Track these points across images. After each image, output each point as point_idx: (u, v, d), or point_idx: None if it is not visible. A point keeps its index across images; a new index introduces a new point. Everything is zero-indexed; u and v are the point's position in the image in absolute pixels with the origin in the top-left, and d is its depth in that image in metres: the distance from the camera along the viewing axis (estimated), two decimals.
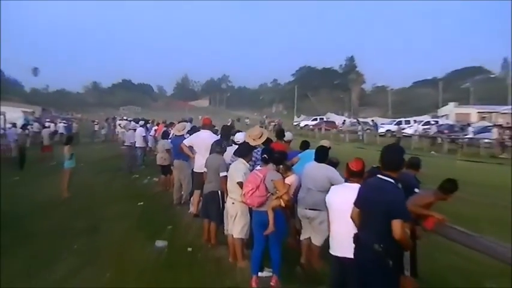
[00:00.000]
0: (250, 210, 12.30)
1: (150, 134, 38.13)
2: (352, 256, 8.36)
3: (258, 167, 12.22)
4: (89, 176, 28.24)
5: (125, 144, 34.83)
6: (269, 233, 11.34)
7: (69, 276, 12.48)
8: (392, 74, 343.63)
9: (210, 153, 15.51)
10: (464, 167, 35.96)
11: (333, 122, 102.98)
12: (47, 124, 55.34)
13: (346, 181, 9.50)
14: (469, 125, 69.64)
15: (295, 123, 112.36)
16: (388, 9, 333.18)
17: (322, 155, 12.50)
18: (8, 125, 44.87)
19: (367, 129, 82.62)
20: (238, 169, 12.87)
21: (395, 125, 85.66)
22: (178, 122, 30.06)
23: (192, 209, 18.55)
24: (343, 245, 8.67)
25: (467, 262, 12.89)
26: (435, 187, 9.67)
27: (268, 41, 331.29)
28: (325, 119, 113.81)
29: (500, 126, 58.03)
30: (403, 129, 77.41)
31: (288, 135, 17.18)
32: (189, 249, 14.73)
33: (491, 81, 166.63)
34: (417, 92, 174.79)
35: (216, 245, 14.74)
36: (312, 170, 12.36)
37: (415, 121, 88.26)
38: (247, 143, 14.35)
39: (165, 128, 31.35)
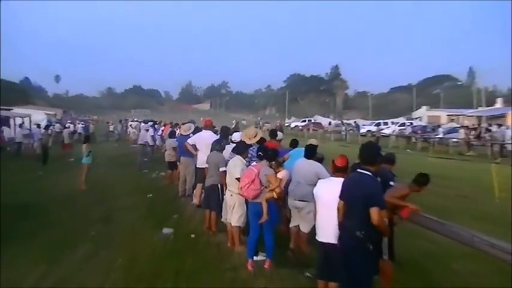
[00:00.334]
0: (247, 201, 12.31)
1: (158, 133, 38.20)
2: (335, 242, 8.44)
3: (254, 163, 12.39)
4: (104, 171, 28.23)
5: (139, 143, 34.87)
6: (263, 221, 11.47)
7: (86, 259, 12.48)
8: (372, 80, 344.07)
9: (210, 151, 15.59)
10: (435, 163, 36.00)
11: (320, 123, 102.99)
12: (67, 125, 55.37)
13: (331, 176, 9.51)
14: (439, 126, 69.95)
15: (286, 124, 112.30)
16: (370, 24, 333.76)
17: (310, 153, 12.58)
18: (33, 126, 44.87)
19: (350, 129, 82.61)
20: (236, 165, 12.93)
21: (374, 126, 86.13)
22: (183, 124, 30.11)
23: (195, 200, 18.62)
24: (328, 232, 8.69)
25: (437, 246, 13.04)
26: (410, 181, 9.70)
27: (262, 52, 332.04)
28: (312, 121, 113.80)
29: (466, 127, 58.26)
30: (382, 129, 77.78)
31: (279, 134, 17.27)
32: (193, 235, 14.76)
33: (459, 88, 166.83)
34: (394, 97, 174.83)
35: (216, 232, 14.77)
36: (301, 165, 12.40)
37: (392, 122, 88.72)
38: (244, 141, 14.51)
39: (171, 129, 31.39)
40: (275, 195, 11.49)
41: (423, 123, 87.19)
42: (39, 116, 65.09)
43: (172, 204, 19.73)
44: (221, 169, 14.25)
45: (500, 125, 53.40)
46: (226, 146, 15.83)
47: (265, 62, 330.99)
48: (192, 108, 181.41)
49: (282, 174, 12.62)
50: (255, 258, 11.85)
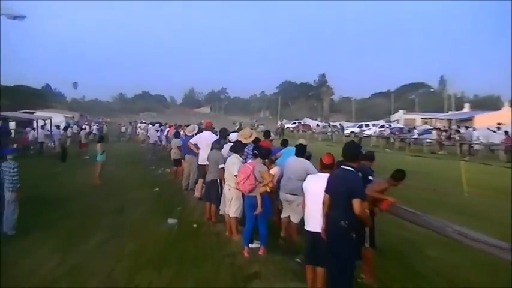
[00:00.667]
0: (243, 194, 12.39)
1: (164, 134, 38.29)
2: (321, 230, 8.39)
3: (249, 161, 12.41)
4: (116, 168, 28.20)
5: (150, 142, 35.43)
6: (258, 213, 11.54)
7: (100, 246, 12.56)
8: (355, 87, 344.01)
9: (211, 150, 15.59)
10: (411, 161, 36.00)
11: (309, 125, 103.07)
12: (83, 126, 55.44)
13: (319, 172, 9.50)
14: (414, 128, 70.04)
15: (278, 126, 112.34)
16: (353, 35, 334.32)
17: (301, 151, 12.72)
18: (53, 127, 44.93)
19: (335, 131, 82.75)
20: (233, 163, 13.02)
21: (357, 127, 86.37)
22: (186, 126, 30.19)
23: (197, 193, 18.63)
24: (315, 222, 8.67)
25: (413, 235, 13.06)
26: (389, 176, 9.70)
27: (257, 61, 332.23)
28: (302, 123, 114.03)
29: (438, 129, 58.33)
30: (364, 131, 78.16)
31: (272, 135, 17.37)
32: (195, 225, 14.83)
33: (431, 94, 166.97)
34: (374, 102, 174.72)
35: (215, 222, 14.79)
36: (292, 162, 12.52)
37: (373, 125, 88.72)
38: (240, 141, 14.64)
39: (175, 130, 31.42)
40: (268, 190, 11.63)
41: (400, 125, 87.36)
42: (58, 118, 65.11)
43: (176, 197, 19.76)
44: (220, 166, 14.29)
45: (467, 127, 53.50)
46: (224, 145, 15.86)
47: (259, 70, 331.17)
48: (194, 112, 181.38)
49: (274, 170, 12.73)
50: (250, 245, 11.87)
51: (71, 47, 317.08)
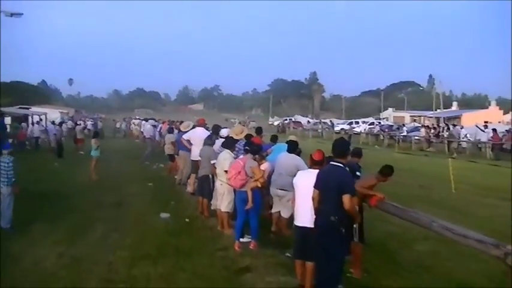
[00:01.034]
0: (234, 189, 12.35)
1: (157, 130, 38.30)
2: (311, 225, 8.43)
3: (241, 156, 12.43)
4: (111, 163, 28.13)
5: (146, 137, 35.77)
6: (249, 208, 11.57)
7: (97, 239, 12.61)
8: (346, 85, 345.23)
9: (203, 145, 15.57)
10: (400, 158, 36.11)
11: (300, 122, 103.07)
12: (78, 122, 55.38)
13: (309, 168, 9.54)
14: (403, 125, 70.10)
15: (270, 123, 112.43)
16: (345, 33, 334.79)
17: (292, 148, 12.78)
18: (48, 123, 44.86)
19: (326, 128, 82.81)
20: (225, 158, 13.08)
21: (347, 125, 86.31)
22: (179, 122, 30.23)
23: (189, 188, 18.63)
24: (305, 217, 8.71)
25: (401, 230, 13.11)
26: (377, 172, 9.75)
27: (250, 59, 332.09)
28: (293, 120, 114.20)
29: (427, 126, 58.46)
30: (354, 128, 78.03)
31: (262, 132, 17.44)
32: (187, 220, 14.85)
33: (420, 93, 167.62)
34: (364, 100, 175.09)
35: (208, 217, 14.83)
36: (284, 158, 12.54)
37: (363, 122, 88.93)
38: (232, 137, 14.66)
39: (168, 126, 31.44)
40: (259, 185, 11.62)
41: (389, 122, 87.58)
42: (54, 114, 65.14)
43: (169, 192, 19.80)
44: (212, 161, 14.28)
45: (455, 125, 53.62)
46: (216, 141, 15.89)
47: (252, 68, 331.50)
48: (188, 109, 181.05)
49: (264, 166, 12.75)
50: (241, 240, 11.89)
51: (66, 44, 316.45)
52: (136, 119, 71.90)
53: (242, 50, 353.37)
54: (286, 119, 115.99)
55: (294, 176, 9.73)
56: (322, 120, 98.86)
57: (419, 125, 66.93)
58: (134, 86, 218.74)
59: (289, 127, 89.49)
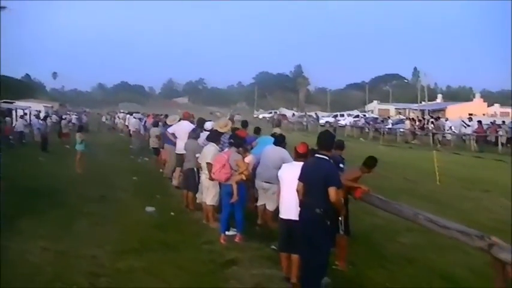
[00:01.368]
0: (220, 183, 12.36)
1: (142, 123, 38.23)
2: (296, 218, 8.44)
3: (226, 149, 12.44)
4: (96, 157, 27.95)
5: (132, 130, 36.14)
6: (234, 201, 11.58)
7: (83, 234, 12.43)
8: (331, 78, 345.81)
9: (188, 139, 15.59)
10: (384, 150, 36.20)
11: (285, 115, 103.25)
12: (64, 116, 55.07)
13: (294, 160, 9.56)
14: (388, 118, 70.40)
15: (255, 116, 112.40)
16: (330, 26, 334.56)
17: (279, 141, 12.92)
18: (32, 117, 44.66)
19: (311, 120, 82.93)
20: (209, 151, 13.07)
21: (332, 117, 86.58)
22: (165, 116, 30.29)
23: (174, 182, 18.63)
24: (290, 210, 8.72)
25: (385, 222, 13.16)
26: (361, 164, 9.82)
27: (234, 52, 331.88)
28: (278, 113, 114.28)
29: (412, 119, 58.73)
30: (339, 121, 78.38)
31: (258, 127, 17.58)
32: (172, 213, 14.83)
33: (405, 86, 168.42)
34: (349, 93, 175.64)
35: (193, 210, 14.83)
36: (270, 151, 12.63)
37: (348, 115, 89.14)
38: (216, 130, 14.61)
39: (153, 119, 31.42)
40: (244, 178, 11.66)
41: (374, 115, 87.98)
42: (38, 108, 64.73)
43: (155, 185, 19.75)
44: (197, 155, 14.23)
45: (439, 118, 53.85)
46: (200, 134, 15.87)
47: (236, 62, 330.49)
48: (173, 102, 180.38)
49: (248, 158, 12.79)
50: (227, 233, 11.88)
51: (49, 38, 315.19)
52: (121, 112, 71.74)
53: (227, 43, 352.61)
54: (271, 112, 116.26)
55: (280, 168, 9.77)
56: (307, 113, 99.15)
57: (404, 118, 67.28)
58: (119, 79, 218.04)
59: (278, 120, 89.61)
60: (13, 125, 40.67)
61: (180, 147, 17.01)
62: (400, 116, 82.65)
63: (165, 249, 11.22)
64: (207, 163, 12.71)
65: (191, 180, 14.87)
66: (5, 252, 10.60)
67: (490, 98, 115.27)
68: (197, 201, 14.59)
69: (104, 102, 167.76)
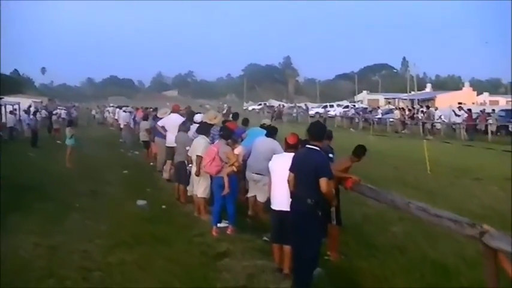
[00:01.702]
0: (211, 175, 12.36)
1: (132, 117, 38.20)
2: (288, 209, 8.42)
3: (216, 142, 12.42)
4: (86, 151, 27.93)
5: (123, 124, 35.82)
6: (225, 193, 11.60)
7: (74, 229, 12.40)
8: (320, 69, 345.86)
9: (178, 132, 15.58)
10: (375, 140, 36.22)
11: (273, 107, 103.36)
12: (55, 112, 54.87)
13: (285, 152, 9.55)
14: (378, 108, 70.51)
15: (244, 108, 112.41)
16: (317, 17, 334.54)
17: (271, 132, 13.01)
18: (22, 112, 44.49)
19: (301, 112, 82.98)
20: (199, 144, 13.03)
21: (322, 108, 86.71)
22: (153, 109, 30.31)
23: (165, 175, 18.62)
24: (281, 201, 8.70)
25: (376, 212, 13.18)
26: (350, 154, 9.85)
27: (224, 44, 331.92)
28: (267, 104, 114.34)
29: (401, 109, 58.89)
30: (328, 111, 78.60)
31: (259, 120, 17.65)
32: (164, 206, 14.85)
33: (394, 75, 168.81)
34: (338, 83, 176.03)
35: (184, 203, 14.83)
36: (261, 143, 12.73)
37: (337, 105, 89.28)
38: (206, 122, 14.70)
39: (143, 113, 31.38)
40: (235, 169, 11.68)
41: (364, 105, 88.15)
42: (27, 103, 64.46)
43: (145, 179, 19.80)
44: (187, 147, 14.21)
45: (429, 107, 54.01)
46: (191, 127, 15.83)
47: (225, 54, 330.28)
48: (162, 95, 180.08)
49: (238, 150, 12.70)
50: (218, 225, 11.87)
51: (37, 33, 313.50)
52: (110, 106, 71.62)
53: (215, 35, 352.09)
54: (260, 104, 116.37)
55: (271, 160, 9.77)
56: (297, 104, 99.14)
57: (394, 108, 67.48)
58: (107, 73, 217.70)
59: (264, 112, 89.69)
60: (3, 120, 40.51)
61: (170, 140, 16.97)
62: (390, 106, 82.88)
63: (156, 242, 11.18)
64: (197, 156, 12.70)
65: (182, 173, 14.87)
66: None
67: (479, 87, 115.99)
68: (188, 194, 14.56)
69: (93, 96, 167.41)
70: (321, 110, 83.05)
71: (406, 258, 10.50)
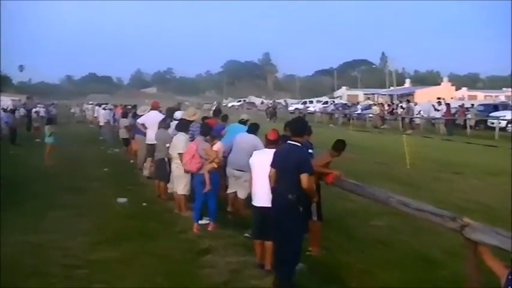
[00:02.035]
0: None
1: (111, 114, 38.09)
2: (269, 205, 8.43)
3: (197, 138, 12.40)
4: (66, 149, 27.70)
5: (104, 121, 35.75)
6: (207, 191, 11.57)
7: (56, 226, 12.39)
8: (299, 65, 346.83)
9: (158, 129, 15.52)
10: (355, 136, 36.34)
11: (253, 103, 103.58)
12: (34, 110, 54.58)
13: (265, 148, 9.55)
14: (357, 103, 70.89)
15: (224, 104, 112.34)
16: (296, 13, 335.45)
17: (253, 129, 13.10)
18: (0, 110, 44.29)
19: (280, 108, 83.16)
20: (180, 141, 13.06)
21: (301, 104, 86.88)
22: (132, 106, 30.24)
23: (146, 172, 18.52)
24: (263, 197, 8.69)
25: (358, 206, 13.31)
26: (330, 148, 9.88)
27: (203, 40, 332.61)
28: (247, 101, 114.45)
29: (381, 104, 59.22)
30: (308, 107, 78.65)
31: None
32: (145, 204, 14.75)
33: (373, 71, 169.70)
34: (318, 79, 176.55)
35: (165, 200, 14.82)
36: (242, 139, 12.72)
37: (317, 101, 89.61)
38: (185, 119, 14.72)
39: (122, 110, 31.28)
40: (215, 166, 11.67)
41: (343, 101, 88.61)
42: (5, 102, 64.13)
43: (126, 176, 19.69)
44: (167, 145, 14.21)
45: (408, 101, 54.30)
46: (170, 124, 15.79)
47: (205, 50, 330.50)
48: (142, 93, 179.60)
49: (217, 146, 12.58)
50: (200, 222, 11.87)
51: (16, 31, 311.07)
52: (89, 104, 71.38)
53: (194, 32, 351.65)
54: (240, 100, 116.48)
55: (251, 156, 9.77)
56: (277, 101, 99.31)
57: (373, 103, 67.83)
58: (86, 71, 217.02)
59: (243, 108, 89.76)
60: None
61: (150, 138, 16.91)
62: (369, 101, 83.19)
63: (139, 239, 11.19)
64: (179, 154, 12.68)
65: (162, 170, 14.81)
66: None
67: (457, 82, 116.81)
68: (169, 191, 14.60)
69: (72, 93, 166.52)
70: (300, 106, 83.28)
71: (389, 251, 10.56)
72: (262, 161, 8.80)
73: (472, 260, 5.81)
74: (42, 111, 55.16)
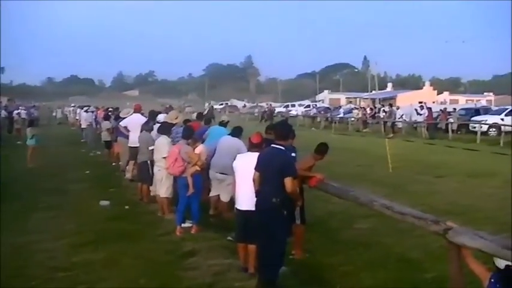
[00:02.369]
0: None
1: (93, 117, 38.02)
2: (253, 208, 8.45)
3: (180, 142, 12.39)
4: (48, 151, 27.67)
5: (86, 124, 35.33)
6: (190, 194, 11.57)
7: (37, 228, 12.42)
8: (282, 68, 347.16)
9: (141, 131, 15.51)
10: (337, 139, 36.44)
11: (236, 106, 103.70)
12: (15, 112, 54.38)
13: (248, 151, 9.58)
14: (339, 107, 71.12)
15: (205, 108, 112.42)
16: (278, 16, 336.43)
17: (236, 132, 13.14)
18: None
19: (263, 111, 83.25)
20: (162, 144, 13.14)
21: (283, 107, 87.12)
22: (114, 109, 30.16)
23: (128, 175, 18.50)
24: (246, 201, 8.71)
25: (341, 208, 13.34)
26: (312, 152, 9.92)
27: (184, 43, 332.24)
28: (229, 104, 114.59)
29: (362, 108, 59.43)
30: (290, 111, 78.96)
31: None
32: (127, 207, 14.76)
33: (356, 74, 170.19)
34: (300, 82, 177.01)
35: (147, 203, 14.80)
36: (226, 142, 12.77)
37: (299, 105, 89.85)
38: (167, 122, 14.89)
39: (104, 113, 31.21)
40: (198, 169, 11.68)
41: (326, 105, 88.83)
42: None
43: (108, 179, 19.66)
44: (150, 148, 14.21)
45: (391, 105, 54.54)
46: (153, 127, 15.73)
47: (186, 54, 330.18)
48: (123, 95, 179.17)
49: (198, 149, 12.57)
50: (183, 225, 11.87)
51: None
52: (71, 106, 71.18)
53: (176, 35, 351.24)
54: (222, 103, 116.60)
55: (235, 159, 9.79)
56: (259, 104, 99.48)
57: (355, 107, 68.12)
58: (68, 73, 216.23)
59: (225, 111, 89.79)
60: None
61: (133, 140, 16.86)
62: (351, 105, 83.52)
63: (121, 241, 11.19)
64: (164, 158, 12.69)
65: (145, 173, 14.78)
66: None
67: (439, 86, 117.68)
68: (151, 193, 14.59)
69: (53, 95, 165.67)
70: (282, 110, 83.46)
71: (371, 254, 10.60)
72: (245, 164, 8.82)
73: (455, 263, 5.85)
74: (23, 113, 54.93)
